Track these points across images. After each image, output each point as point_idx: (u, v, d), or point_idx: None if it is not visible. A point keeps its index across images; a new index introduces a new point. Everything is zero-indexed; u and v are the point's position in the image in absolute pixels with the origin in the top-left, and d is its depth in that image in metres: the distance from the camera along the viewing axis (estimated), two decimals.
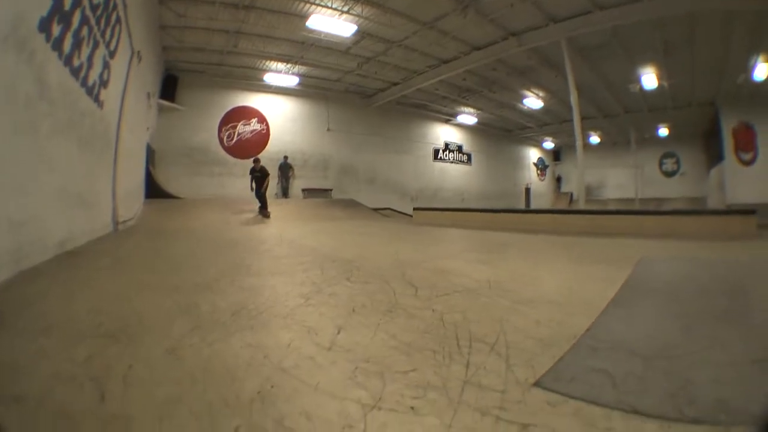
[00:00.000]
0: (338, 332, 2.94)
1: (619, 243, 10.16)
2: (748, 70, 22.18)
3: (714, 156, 31.57)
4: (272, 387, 2.02)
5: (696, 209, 22.44)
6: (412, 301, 3.92)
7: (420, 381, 2.19)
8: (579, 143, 19.35)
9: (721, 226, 12.62)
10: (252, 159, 17.38)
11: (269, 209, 16.51)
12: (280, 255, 7.00)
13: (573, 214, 16.42)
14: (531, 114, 33.50)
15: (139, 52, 11.37)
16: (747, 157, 26.99)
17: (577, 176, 22.79)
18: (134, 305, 3.40)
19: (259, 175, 16.44)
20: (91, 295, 3.67)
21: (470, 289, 4.55)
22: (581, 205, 19.56)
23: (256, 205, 16.56)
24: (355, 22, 17.57)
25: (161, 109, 20.93)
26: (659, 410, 1.92)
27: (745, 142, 27.09)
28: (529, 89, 27.28)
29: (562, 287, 5.21)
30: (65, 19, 5.41)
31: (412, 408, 1.89)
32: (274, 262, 6.28)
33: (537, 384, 2.21)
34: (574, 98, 19.20)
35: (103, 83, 7.83)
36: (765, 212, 16.85)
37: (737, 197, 24.63)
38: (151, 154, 18.53)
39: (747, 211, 13.83)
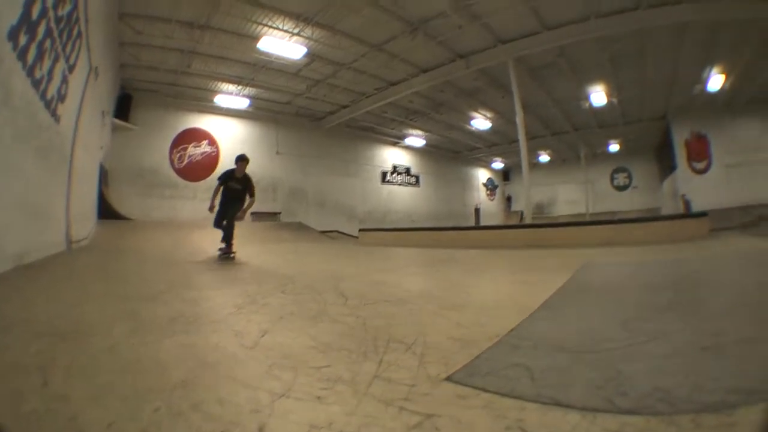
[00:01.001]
0: (263, 335, 3.12)
1: (565, 253, 10.46)
2: (702, 81, 23.04)
3: (666, 167, 32.90)
4: (195, 378, 2.20)
5: (646, 216, 23.50)
6: (339, 309, 4.11)
7: (331, 375, 2.31)
8: (525, 161, 19.86)
9: (674, 231, 12.92)
10: (235, 157, 10.42)
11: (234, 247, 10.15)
12: (222, 272, 7.21)
13: (518, 229, 16.80)
14: (479, 135, 34.25)
15: (96, 68, 11.22)
16: (700, 165, 28.24)
17: (524, 193, 23.26)
18: (84, 311, 3.60)
19: (239, 188, 10.17)
20: (47, 302, 3.88)
21: (400, 298, 4.71)
22: (528, 221, 19.78)
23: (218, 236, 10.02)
24: (306, 45, 17.85)
25: (114, 129, 20.60)
26: (583, 402, 1.92)
27: (698, 151, 28.32)
28: (476, 110, 27.89)
29: (494, 293, 5.61)
30: (31, 30, 5.43)
31: (318, 397, 2.02)
32: (216, 278, 6.53)
33: (449, 379, 2.27)
34: (519, 118, 19.69)
35: (61, 98, 7.68)
36: (719, 216, 17.44)
37: (692, 205, 25.63)
38: (104, 174, 18.10)
39: (699, 214, 14.32)
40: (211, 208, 10.23)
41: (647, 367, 2.34)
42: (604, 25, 16.85)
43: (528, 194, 21.55)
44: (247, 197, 10.32)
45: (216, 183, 10.40)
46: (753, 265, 7.38)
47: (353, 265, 8.86)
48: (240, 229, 17.02)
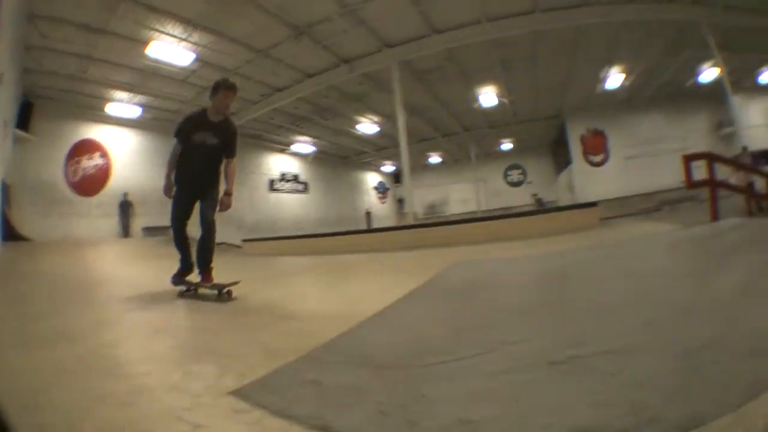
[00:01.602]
0: (113, 347, 3.48)
1: (446, 251, 10.65)
2: (600, 80, 24.25)
3: (562, 162, 34.50)
4: (52, 381, 2.58)
5: (534, 210, 24.52)
6: (183, 323, 4.66)
7: (142, 384, 2.55)
8: (406, 165, 20.41)
9: (564, 222, 13.32)
10: (213, 84, 6.15)
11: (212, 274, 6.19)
12: (107, 289, 7.67)
13: (404, 230, 16.93)
14: (367, 139, 34.78)
15: (2, 74, 10.21)
16: (597, 159, 30.15)
17: (405, 194, 23.87)
18: None
19: (215, 143, 6.14)
20: None
21: (242, 310, 5.00)
22: (411, 222, 20.04)
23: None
24: (194, 50, 17.86)
25: (15, 140, 18.83)
26: (358, 431, 1.80)
27: (594, 146, 30.24)
28: (363, 115, 28.47)
29: (342, 300, 5.76)
30: None
31: (124, 403, 2.25)
32: (98, 294, 6.97)
33: (234, 392, 2.33)
34: (401, 122, 20.00)
35: None
36: (618, 205, 18.40)
37: (588, 196, 26.04)
38: (6, 192, 16.46)
39: (589, 204, 14.92)
40: (167, 190, 6.19)
41: (461, 389, 2.10)
42: (496, 28, 17.32)
43: (410, 196, 22.43)
44: (225, 161, 6.34)
45: (176, 140, 6.13)
46: (638, 254, 6.93)
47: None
48: (131, 246, 16.41)
